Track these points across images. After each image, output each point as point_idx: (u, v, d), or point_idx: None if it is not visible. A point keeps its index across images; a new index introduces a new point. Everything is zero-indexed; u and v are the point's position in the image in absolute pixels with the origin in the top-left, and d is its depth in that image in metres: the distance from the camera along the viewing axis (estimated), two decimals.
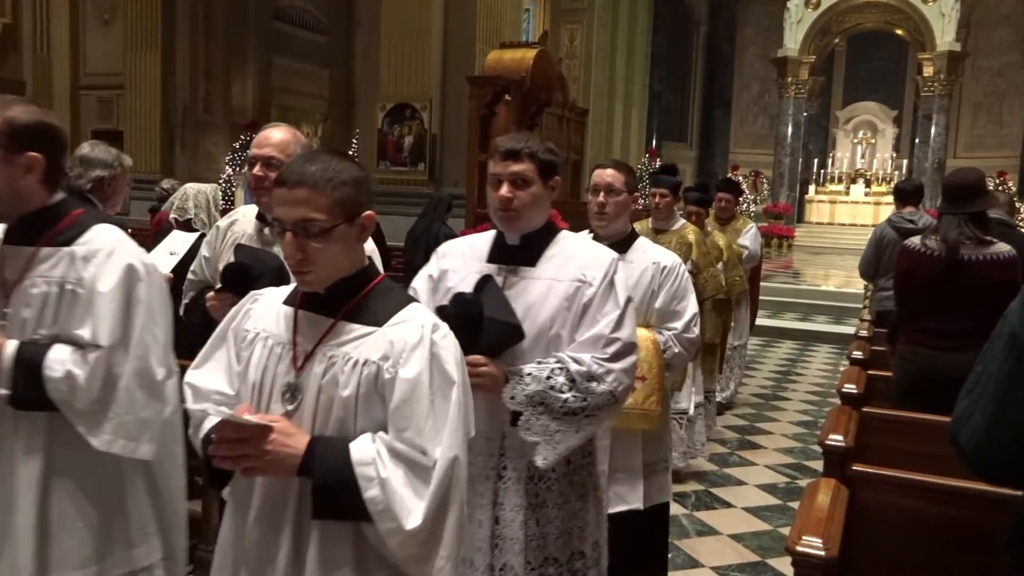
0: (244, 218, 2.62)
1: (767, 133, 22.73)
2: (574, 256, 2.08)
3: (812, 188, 21.29)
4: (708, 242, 4.93)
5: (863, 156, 21.50)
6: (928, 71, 18.57)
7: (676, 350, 2.75)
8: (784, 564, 3.47)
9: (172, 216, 4.50)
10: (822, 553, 1.77)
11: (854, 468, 2.37)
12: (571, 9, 17.28)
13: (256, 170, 2.44)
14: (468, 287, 2.04)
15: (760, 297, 11.18)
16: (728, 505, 4.36)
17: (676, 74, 23.08)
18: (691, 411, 4.39)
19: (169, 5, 13.97)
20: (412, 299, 1.61)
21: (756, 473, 4.91)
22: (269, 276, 2.24)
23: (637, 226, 4.38)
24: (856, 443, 2.58)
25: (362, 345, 1.51)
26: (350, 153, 1.61)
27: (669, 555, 3.68)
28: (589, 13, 17.21)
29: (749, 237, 6.13)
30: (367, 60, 12.76)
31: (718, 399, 6.02)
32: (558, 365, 1.95)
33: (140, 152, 13.00)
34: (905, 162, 20.55)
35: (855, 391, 3.22)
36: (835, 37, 20.69)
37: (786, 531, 2.97)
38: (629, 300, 2.04)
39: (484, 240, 2.19)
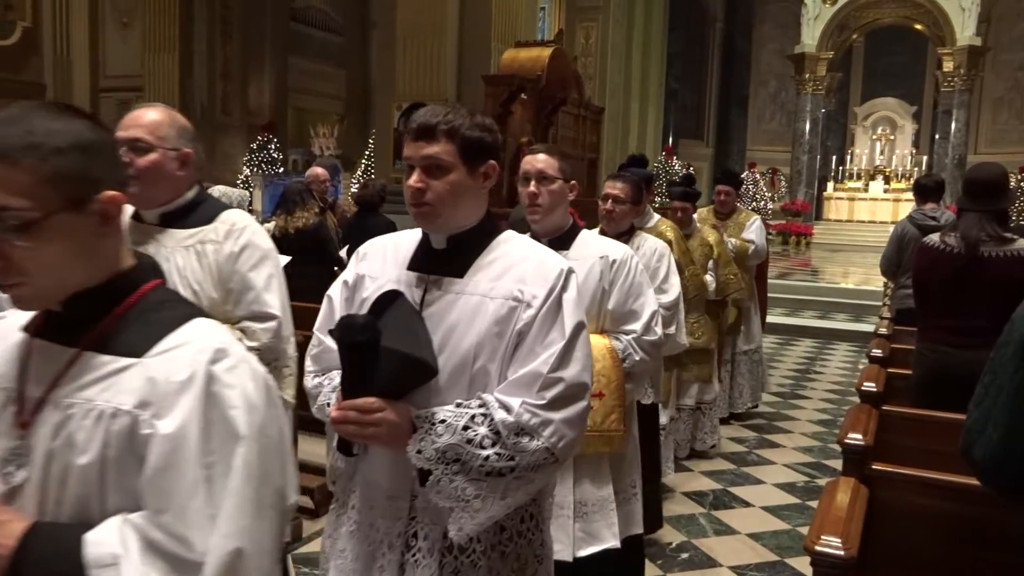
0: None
1: (784, 130, 22.61)
2: (513, 265, 1.60)
3: (830, 185, 21.17)
4: (697, 239, 4.74)
5: (882, 153, 21.35)
6: (948, 66, 18.39)
7: (637, 357, 2.42)
8: (803, 564, 3.44)
9: None
10: (841, 553, 1.76)
11: (873, 467, 2.35)
12: (586, 7, 17.25)
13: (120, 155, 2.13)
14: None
15: (779, 295, 11.18)
16: (746, 504, 4.34)
17: (692, 71, 22.99)
18: (664, 422, 4.08)
19: (186, 7, 14.09)
20: (196, 314, 1.14)
21: (775, 472, 4.88)
22: None
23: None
24: (876, 442, 2.56)
25: (112, 387, 1.06)
26: (85, 110, 1.15)
27: (686, 555, 3.68)
28: (604, 11, 17.17)
29: (754, 231, 5.70)
30: (383, 60, 12.80)
31: (739, 409, 5.80)
32: (481, 411, 1.50)
33: None
34: (925, 158, 20.35)
35: (874, 389, 3.19)
36: (853, 33, 20.53)
37: (805, 530, 2.96)
38: (580, 327, 1.57)
39: (410, 240, 1.72)
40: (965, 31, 17.96)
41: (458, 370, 1.55)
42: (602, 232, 3.21)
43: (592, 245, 2.51)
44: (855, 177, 21.10)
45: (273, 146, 15.55)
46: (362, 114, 17.45)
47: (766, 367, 6.41)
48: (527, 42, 11.42)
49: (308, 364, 1.77)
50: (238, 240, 2.17)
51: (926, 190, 5.31)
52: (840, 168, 21.31)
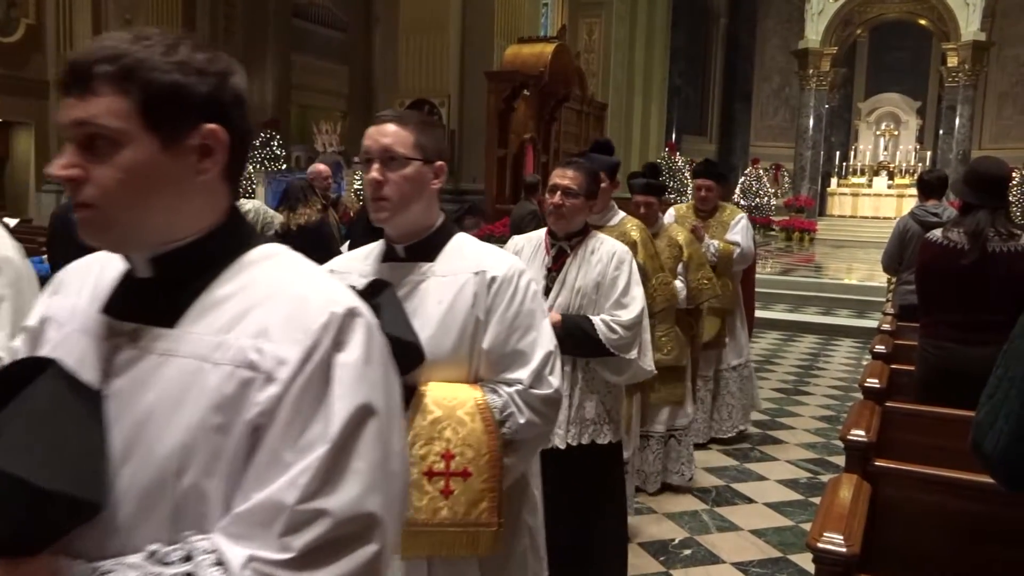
0: None
1: (788, 126, 22.60)
2: (255, 306, 0.93)
3: (834, 181, 21.19)
4: (664, 238, 4.16)
5: (886, 148, 21.34)
6: (952, 61, 18.37)
7: (522, 419, 1.68)
8: (806, 560, 3.44)
9: None
10: (843, 550, 1.75)
11: (876, 463, 2.35)
12: (589, 3, 17.23)
13: None
14: (69, 357, 0.96)
15: (782, 291, 11.17)
16: (749, 500, 4.34)
17: (695, 67, 22.96)
18: (627, 456, 3.41)
19: (189, 3, 14.11)
20: None
21: (777, 468, 4.87)
22: None
23: None
24: (879, 438, 2.55)
25: None
26: None
27: (689, 551, 3.68)
28: (607, 7, 17.16)
29: (739, 231, 5.03)
30: (386, 56, 12.80)
31: (728, 434, 5.12)
32: (184, 570, 0.85)
33: None
34: (929, 154, 20.34)
35: (878, 385, 3.18)
36: (857, 28, 20.50)
37: (808, 527, 2.95)
38: (363, 413, 0.90)
39: (114, 267, 1.04)
40: (970, 26, 17.93)
41: (152, 491, 0.90)
42: (559, 231, 2.67)
43: (467, 255, 1.75)
44: (859, 173, 21.11)
45: (276, 143, 15.59)
46: (365, 110, 17.43)
47: (756, 383, 5.70)
48: (530, 38, 11.41)
49: None
50: None
51: (929, 186, 5.29)
52: (844, 164, 21.31)
